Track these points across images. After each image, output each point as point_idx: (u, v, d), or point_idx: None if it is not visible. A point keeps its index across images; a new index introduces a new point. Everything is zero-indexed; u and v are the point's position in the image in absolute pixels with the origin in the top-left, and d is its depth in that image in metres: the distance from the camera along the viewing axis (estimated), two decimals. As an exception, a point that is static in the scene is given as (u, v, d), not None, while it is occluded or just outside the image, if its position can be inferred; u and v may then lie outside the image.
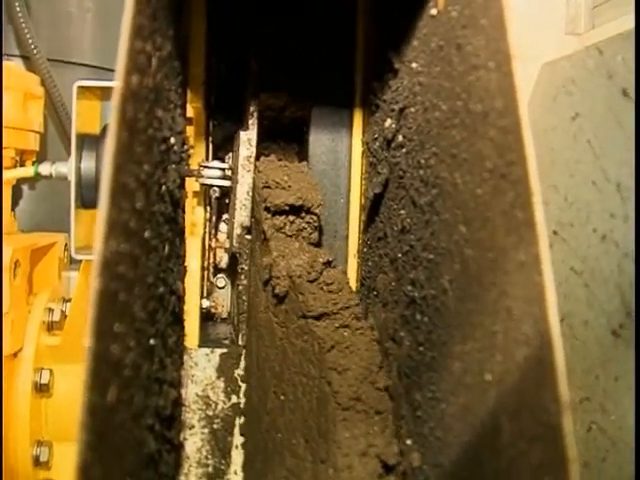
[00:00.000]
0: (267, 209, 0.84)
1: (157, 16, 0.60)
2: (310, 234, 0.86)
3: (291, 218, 0.85)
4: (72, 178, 0.98)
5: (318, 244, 0.89)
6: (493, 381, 0.49)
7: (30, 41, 1.60)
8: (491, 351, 0.50)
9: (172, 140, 0.75)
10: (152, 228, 0.62)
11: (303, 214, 0.85)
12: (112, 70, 1.49)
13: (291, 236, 0.84)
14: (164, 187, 0.69)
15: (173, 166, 0.75)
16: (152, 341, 0.64)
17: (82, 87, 1.02)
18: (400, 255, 0.76)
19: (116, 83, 0.43)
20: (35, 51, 1.61)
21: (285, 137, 0.98)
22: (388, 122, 0.80)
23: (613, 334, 0.87)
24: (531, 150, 0.45)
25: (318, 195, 0.84)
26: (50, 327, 1.41)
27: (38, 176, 1.18)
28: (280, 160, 0.89)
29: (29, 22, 1.62)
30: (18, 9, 1.58)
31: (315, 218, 0.85)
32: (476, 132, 0.54)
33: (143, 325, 0.59)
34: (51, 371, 1.37)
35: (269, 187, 0.85)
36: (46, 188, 1.64)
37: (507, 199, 0.48)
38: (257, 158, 0.93)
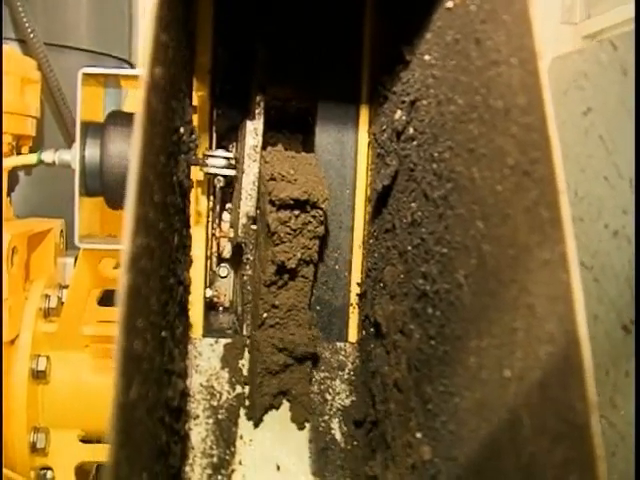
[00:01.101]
0: (272, 202, 0.83)
1: (171, 6, 0.59)
2: (316, 227, 0.84)
3: (296, 212, 0.83)
4: (76, 166, 0.97)
5: (324, 237, 0.89)
6: (513, 377, 0.49)
7: (27, 25, 1.59)
8: (511, 348, 0.50)
9: (182, 130, 0.75)
10: (165, 219, 0.61)
11: (309, 208, 0.83)
12: (108, 55, 1.49)
13: (295, 230, 0.84)
14: (175, 177, 0.69)
15: (183, 156, 0.75)
16: (163, 333, 0.64)
17: (86, 74, 1.01)
18: (410, 248, 0.76)
19: (142, 75, 0.43)
20: (32, 35, 1.60)
21: (291, 127, 0.98)
22: (398, 114, 0.80)
23: (624, 329, 0.88)
24: (557, 148, 0.45)
25: (325, 189, 0.82)
26: (47, 314, 1.40)
27: (41, 163, 1.17)
28: (287, 150, 0.88)
29: (26, 5, 1.60)
30: (15, -8, 1.56)
31: (321, 212, 0.84)
32: (496, 128, 0.54)
33: (156, 318, 0.59)
34: (48, 358, 1.37)
35: (274, 179, 0.83)
36: (41, 173, 1.63)
37: (530, 197, 0.47)
38: (263, 147, 0.93)
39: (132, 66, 2.06)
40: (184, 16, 0.72)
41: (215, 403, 0.92)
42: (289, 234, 0.83)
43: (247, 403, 0.93)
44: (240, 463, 0.89)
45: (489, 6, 0.56)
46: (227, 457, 0.90)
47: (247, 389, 0.93)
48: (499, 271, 0.53)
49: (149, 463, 0.57)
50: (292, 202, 0.81)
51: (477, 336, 0.56)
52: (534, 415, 0.46)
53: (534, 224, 0.47)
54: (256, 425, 0.92)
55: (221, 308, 1.06)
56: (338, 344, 0.97)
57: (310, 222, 0.83)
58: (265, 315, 0.88)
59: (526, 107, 0.49)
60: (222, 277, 1.06)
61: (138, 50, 2.08)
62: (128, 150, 0.97)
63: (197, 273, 0.94)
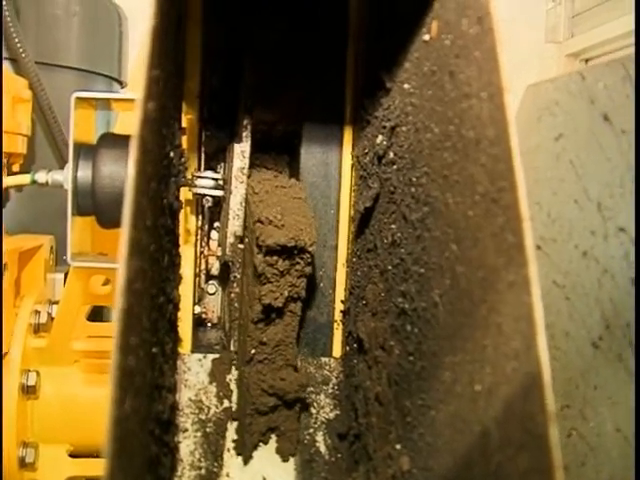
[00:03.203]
0: (259, 247, 0.82)
1: (162, 39, 0.63)
2: (303, 267, 0.85)
3: (283, 256, 0.83)
4: (69, 187, 1.00)
5: (311, 276, 0.89)
6: (482, 391, 0.52)
7: (18, 44, 1.62)
8: (481, 363, 0.53)
9: (172, 154, 0.78)
10: (156, 242, 0.64)
11: (296, 252, 0.83)
12: (98, 73, 1.52)
13: (282, 271, 0.83)
14: (165, 200, 0.72)
15: (173, 179, 0.78)
16: (154, 349, 0.67)
17: (79, 98, 1.04)
18: (390, 267, 0.79)
19: (136, 112, 0.46)
20: (24, 54, 1.63)
21: (277, 149, 1.01)
22: (379, 139, 0.83)
23: (593, 345, 0.91)
24: (522, 178, 0.48)
25: (313, 230, 0.82)
26: (37, 329, 1.43)
27: (34, 184, 1.20)
28: (276, 177, 0.91)
29: (17, 25, 1.64)
30: (7, 12, 1.59)
31: (308, 255, 0.84)
32: (468, 157, 0.57)
33: (148, 335, 0.61)
34: (38, 373, 1.39)
35: (262, 223, 0.82)
36: (31, 191, 1.65)
37: (498, 222, 0.51)
38: (251, 168, 0.96)
39: (122, 84, 2.09)
40: (174, 48, 0.75)
41: (203, 417, 0.94)
42: (276, 275, 0.83)
43: (236, 437, 0.95)
44: (227, 475, 0.92)
45: (462, 42, 0.60)
46: (215, 469, 0.92)
47: (235, 424, 0.95)
48: (471, 291, 0.56)
49: (141, 474, 0.59)
50: (279, 248, 0.81)
51: (451, 352, 0.60)
52: (501, 426, 0.49)
53: (501, 248, 0.50)
54: (245, 462, 0.94)
55: (209, 324, 1.09)
56: (323, 359, 1.00)
57: (298, 263, 0.84)
58: (253, 351, 0.89)
59: (494, 139, 0.52)
60: (210, 294, 1.09)
61: (128, 68, 2.12)
62: (119, 171, 1.00)
63: (186, 291, 0.97)
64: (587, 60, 3.89)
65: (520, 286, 0.47)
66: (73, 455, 1.45)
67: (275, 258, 0.82)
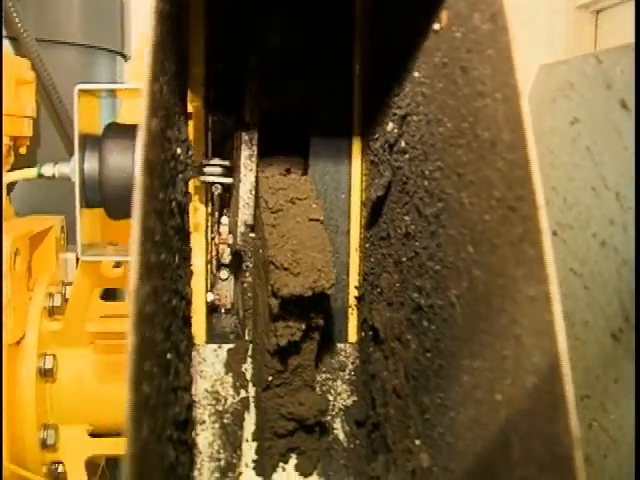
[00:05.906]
0: (274, 294, 0.79)
1: (165, 44, 0.60)
2: (322, 305, 0.82)
3: (300, 302, 0.79)
4: (76, 179, 0.98)
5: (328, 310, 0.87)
6: (503, 401, 0.52)
7: (19, 23, 1.59)
8: (501, 373, 0.52)
9: (179, 151, 0.76)
10: (166, 248, 0.63)
11: (314, 298, 0.78)
12: (100, 48, 1.49)
13: (299, 312, 0.80)
14: (174, 202, 0.71)
15: (180, 176, 0.76)
16: (169, 355, 0.66)
17: (82, 90, 1.02)
18: (405, 259, 0.78)
19: (140, 132, 0.44)
20: (25, 34, 1.60)
21: (285, 135, 0.99)
22: (390, 126, 0.81)
23: (612, 337, 0.90)
24: (540, 187, 0.46)
25: (332, 270, 0.78)
26: (51, 312, 1.43)
27: (41, 177, 1.19)
28: (287, 175, 0.88)
29: (17, 4, 1.60)
30: (5, -9, 1.56)
31: (327, 296, 0.80)
32: (483, 158, 0.55)
33: (162, 345, 0.61)
34: (54, 356, 1.40)
35: (276, 267, 0.78)
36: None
37: (516, 232, 0.49)
38: (259, 157, 0.94)
39: (126, 57, 2.06)
40: (176, 45, 0.73)
41: (220, 408, 0.94)
42: (293, 314, 0.81)
43: (255, 458, 0.94)
44: (247, 466, 0.92)
45: (474, 36, 0.57)
46: (234, 460, 0.92)
47: (255, 445, 0.94)
48: (489, 298, 0.55)
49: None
50: (295, 298, 0.77)
51: (469, 356, 0.59)
52: (523, 440, 0.48)
53: (520, 259, 0.49)
54: None
55: (223, 310, 1.08)
56: (338, 345, 0.99)
57: (316, 307, 0.81)
58: (270, 378, 0.88)
59: (510, 144, 0.50)
60: (223, 280, 1.08)
61: (131, 41, 2.08)
62: (126, 162, 0.99)
63: (198, 280, 0.96)
64: (598, 11, 3.79)
65: (541, 302, 0.46)
66: (93, 435, 1.46)
67: (291, 306, 0.79)
